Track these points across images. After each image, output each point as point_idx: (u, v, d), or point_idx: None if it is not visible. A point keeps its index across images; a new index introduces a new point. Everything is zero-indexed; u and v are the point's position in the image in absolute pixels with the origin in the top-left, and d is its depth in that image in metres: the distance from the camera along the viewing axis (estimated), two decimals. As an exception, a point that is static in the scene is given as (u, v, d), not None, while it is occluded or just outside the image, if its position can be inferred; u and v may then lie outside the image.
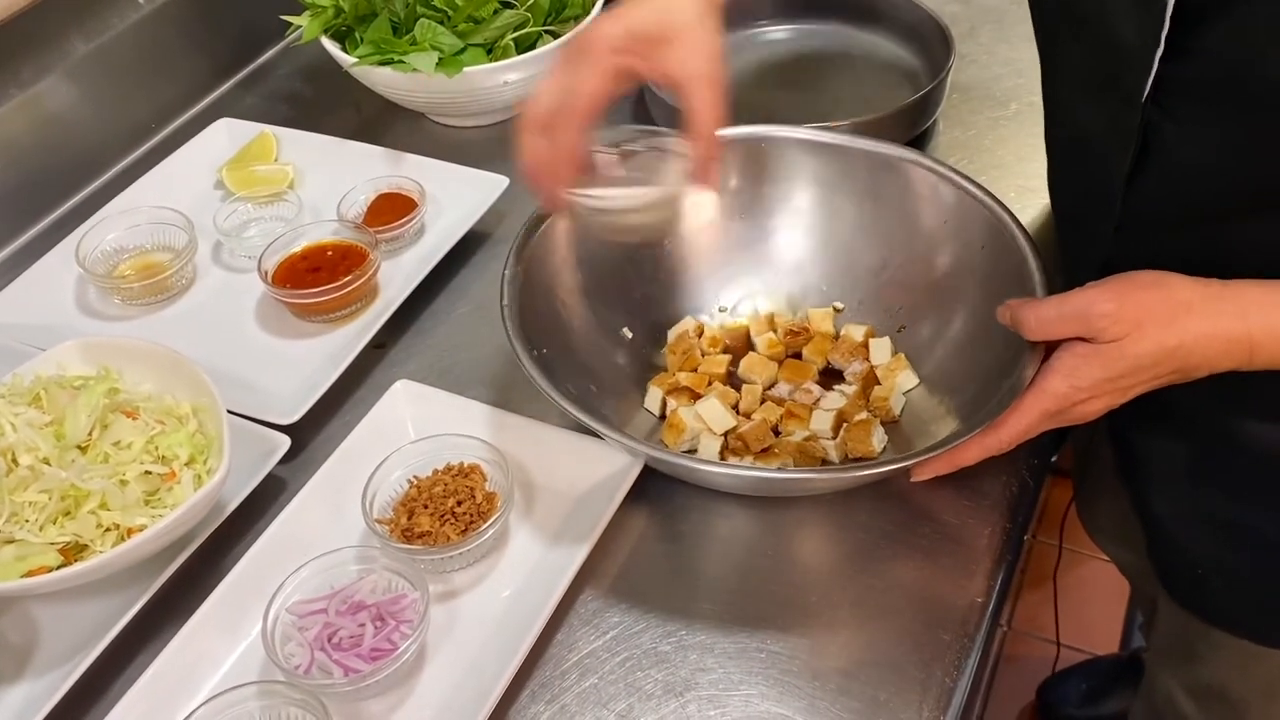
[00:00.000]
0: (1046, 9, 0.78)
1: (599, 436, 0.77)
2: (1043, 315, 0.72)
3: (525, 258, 0.84)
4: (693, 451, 0.85)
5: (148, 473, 0.78)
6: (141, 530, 0.75)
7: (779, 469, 0.83)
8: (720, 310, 0.95)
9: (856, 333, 0.91)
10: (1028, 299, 0.76)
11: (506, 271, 0.82)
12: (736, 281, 0.95)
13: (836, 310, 0.94)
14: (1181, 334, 0.67)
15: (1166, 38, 0.63)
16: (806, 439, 0.85)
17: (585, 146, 0.73)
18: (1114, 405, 0.72)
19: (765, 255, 0.95)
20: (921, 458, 0.73)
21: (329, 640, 0.72)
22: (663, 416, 0.88)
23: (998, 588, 0.77)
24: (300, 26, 1.15)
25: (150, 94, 1.22)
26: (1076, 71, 0.76)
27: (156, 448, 0.80)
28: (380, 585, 0.75)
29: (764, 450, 0.84)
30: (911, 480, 0.79)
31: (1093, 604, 1.73)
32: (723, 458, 0.84)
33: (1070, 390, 0.71)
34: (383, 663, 0.70)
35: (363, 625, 0.72)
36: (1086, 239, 0.78)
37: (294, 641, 0.73)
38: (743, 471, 0.80)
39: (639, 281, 0.92)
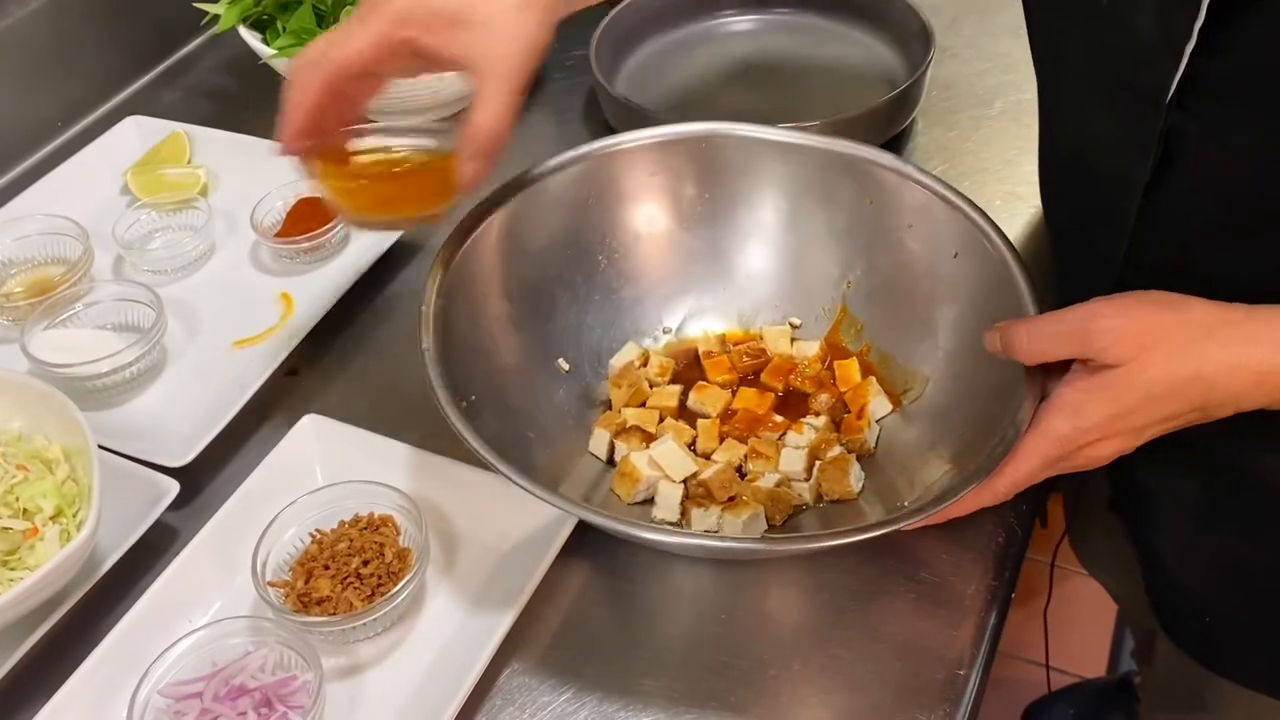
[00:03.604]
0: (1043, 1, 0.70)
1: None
2: (1035, 332, 0.63)
3: (445, 290, 0.73)
4: (649, 501, 0.75)
5: (5, 529, 0.68)
6: (-7, 597, 0.64)
7: (748, 536, 0.71)
8: (665, 332, 0.85)
9: (810, 348, 0.82)
10: (1016, 320, 0.66)
11: (425, 308, 0.72)
12: (681, 299, 0.85)
13: (793, 327, 0.84)
14: (1201, 362, 0.58)
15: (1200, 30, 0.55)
16: (778, 484, 0.75)
17: (331, 110, 0.68)
18: (1126, 449, 0.63)
19: (712, 268, 0.85)
20: (909, 522, 0.63)
21: (206, 730, 0.62)
22: (610, 460, 0.78)
23: (981, 658, 0.68)
24: (217, 15, 1.05)
25: (57, 90, 1.11)
26: (1083, 73, 0.67)
27: (17, 499, 0.70)
28: (270, 662, 0.65)
29: (731, 499, 0.74)
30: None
31: (1080, 625, 1.66)
32: (683, 509, 0.74)
33: (1074, 431, 0.62)
34: (267, 758, 0.60)
35: (244, 714, 0.62)
36: (1092, 262, 0.69)
37: (166, 731, 0.63)
38: (705, 541, 0.69)
39: (573, 305, 0.82)
